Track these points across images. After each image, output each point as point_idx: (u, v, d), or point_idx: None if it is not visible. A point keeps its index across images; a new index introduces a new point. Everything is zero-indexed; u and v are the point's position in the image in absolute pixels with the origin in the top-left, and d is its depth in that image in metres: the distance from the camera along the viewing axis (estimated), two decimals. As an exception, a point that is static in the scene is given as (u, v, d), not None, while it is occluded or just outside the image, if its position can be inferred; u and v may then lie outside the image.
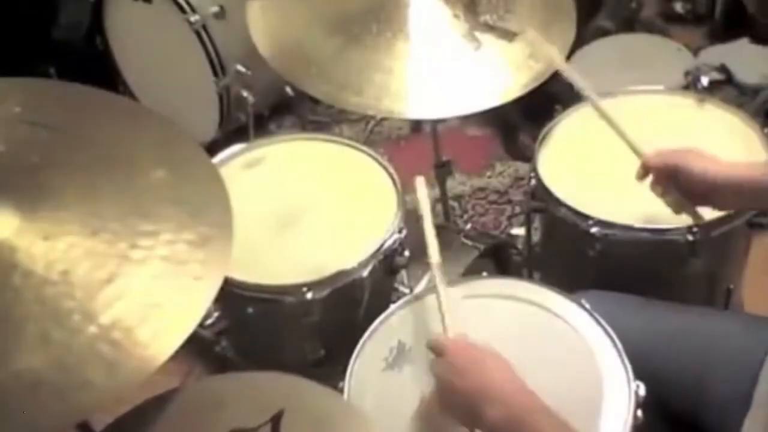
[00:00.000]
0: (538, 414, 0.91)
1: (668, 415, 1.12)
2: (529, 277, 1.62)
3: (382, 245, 1.32)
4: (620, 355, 1.09)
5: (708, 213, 1.29)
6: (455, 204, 2.31)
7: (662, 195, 1.21)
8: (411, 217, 1.35)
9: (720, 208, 1.23)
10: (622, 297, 1.27)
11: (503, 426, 0.91)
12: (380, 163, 1.48)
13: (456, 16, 1.42)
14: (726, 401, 1.08)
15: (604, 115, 1.27)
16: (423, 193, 1.20)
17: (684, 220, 1.30)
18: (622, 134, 1.25)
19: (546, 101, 1.58)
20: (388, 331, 1.18)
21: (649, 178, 1.22)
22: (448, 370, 0.98)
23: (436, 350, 1.01)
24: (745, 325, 1.20)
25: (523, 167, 2.38)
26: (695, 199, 1.20)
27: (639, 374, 1.06)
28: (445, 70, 1.38)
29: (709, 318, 1.26)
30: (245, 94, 2.18)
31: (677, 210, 1.22)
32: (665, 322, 1.23)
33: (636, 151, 1.23)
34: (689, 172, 1.15)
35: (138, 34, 2.40)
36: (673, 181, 1.18)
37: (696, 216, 1.23)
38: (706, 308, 1.37)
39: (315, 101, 2.54)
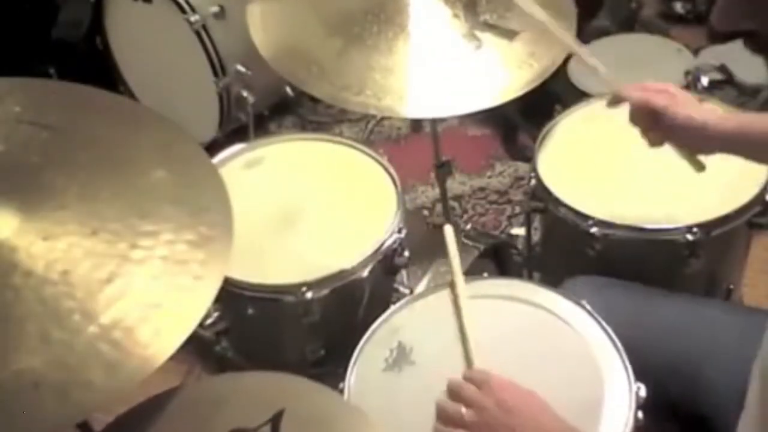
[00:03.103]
0: None
1: (666, 405, 1.12)
2: (529, 277, 1.63)
3: (382, 245, 1.32)
4: (621, 356, 1.09)
5: (708, 213, 1.30)
6: (455, 204, 2.32)
7: (644, 131, 1.20)
8: (411, 217, 1.36)
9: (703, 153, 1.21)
10: (618, 283, 1.27)
11: None
12: (380, 163, 1.48)
13: (456, 15, 1.42)
14: (723, 391, 1.08)
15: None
16: (452, 243, 1.20)
17: (684, 220, 1.30)
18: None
19: (546, 101, 1.59)
20: (389, 331, 1.18)
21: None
22: (494, 405, 0.96)
23: (478, 383, 0.99)
24: (743, 317, 1.20)
25: (523, 167, 2.38)
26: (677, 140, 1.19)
27: (636, 364, 1.06)
28: (445, 70, 1.38)
29: (706, 308, 1.26)
30: (245, 94, 2.19)
31: (656, 144, 1.20)
32: (661, 309, 1.24)
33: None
34: (674, 118, 1.15)
35: (138, 34, 2.40)
36: (655, 122, 1.17)
37: (696, 162, 1.21)
38: (703, 298, 1.37)
39: (315, 101, 2.55)
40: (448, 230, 1.23)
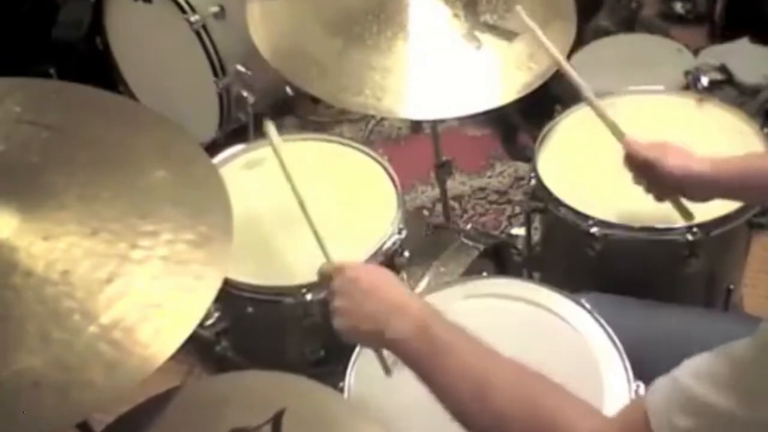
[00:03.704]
0: (435, 318, 0.92)
1: None
2: (529, 277, 1.62)
3: (382, 245, 1.32)
4: (620, 355, 1.09)
5: (708, 213, 1.30)
6: (455, 204, 2.31)
7: (645, 187, 1.23)
8: (411, 217, 1.35)
9: (692, 200, 1.24)
10: (622, 300, 1.27)
11: (410, 340, 0.91)
12: (380, 163, 1.48)
13: (456, 15, 1.42)
14: None
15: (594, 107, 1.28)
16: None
17: (683, 219, 1.30)
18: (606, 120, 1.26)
19: (546, 101, 1.58)
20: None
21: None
22: (346, 283, 0.99)
23: (331, 272, 1.02)
24: (745, 327, 1.20)
25: (523, 167, 2.38)
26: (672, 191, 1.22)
27: (639, 377, 1.06)
28: (445, 70, 1.38)
29: (708, 319, 1.26)
30: (245, 94, 2.19)
31: (659, 199, 1.24)
32: (665, 325, 1.24)
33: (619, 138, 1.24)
34: (662, 167, 1.18)
35: (138, 34, 2.40)
36: (649, 174, 1.20)
37: (684, 210, 1.24)
38: (705, 309, 1.37)
39: (315, 101, 2.55)
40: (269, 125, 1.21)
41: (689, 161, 1.18)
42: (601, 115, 1.27)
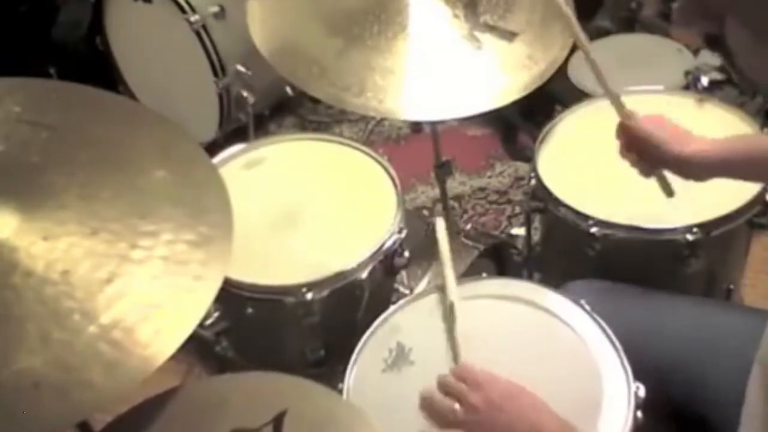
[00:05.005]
0: None
1: (666, 405, 1.12)
2: (529, 277, 1.62)
3: (382, 245, 1.32)
4: (620, 356, 1.09)
5: (708, 213, 1.30)
6: (455, 204, 2.31)
7: (633, 160, 1.21)
8: (411, 217, 1.35)
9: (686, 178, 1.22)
10: (619, 286, 1.27)
11: None
12: (380, 163, 1.48)
13: (456, 16, 1.42)
14: (723, 391, 1.08)
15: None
16: (443, 233, 1.20)
17: (684, 220, 1.30)
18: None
19: (546, 101, 1.59)
20: (388, 331, 1.18)
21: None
22: (484, 402, 0.96)
23: (466, 380, 0.99)
24: (743, 317, 1.21)
25: (523, 167, 2.38)
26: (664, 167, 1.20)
27: (638, 366, 1.06)
28: (445, 71, 1.38)
29: (707, 309, 1.26)
30: (245, 94, 2.18)
31: (646, 175, 1.22)
32: (661, 311, 1.24)
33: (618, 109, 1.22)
34: (667, 152, 1.16)
35: (138, 34, 2.40)
36: (642, 147, 1.18)
37: (667, 188, 1.22)
38: (704, 299, 1.37)
39: (315, 101, 2.55)
40: (440, 224, 1.22)
41: (691, 143, 1.17)
42: (604, 85, 1.25)
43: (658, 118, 1.20)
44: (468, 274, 1.48)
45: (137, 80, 2.51)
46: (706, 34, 0.80)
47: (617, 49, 2.28)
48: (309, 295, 1.26)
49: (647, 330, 1.19)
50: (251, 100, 2.18)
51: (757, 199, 1.34)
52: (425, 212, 2.33)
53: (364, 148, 1.52)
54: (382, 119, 2.64)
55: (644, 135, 1.17)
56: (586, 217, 1.34)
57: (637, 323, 1.19)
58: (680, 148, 1.16)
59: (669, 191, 1.22)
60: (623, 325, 1.12)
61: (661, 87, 1.63)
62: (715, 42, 0.82)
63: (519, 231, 1.83)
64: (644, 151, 1.19)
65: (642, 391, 1.04)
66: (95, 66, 2.46)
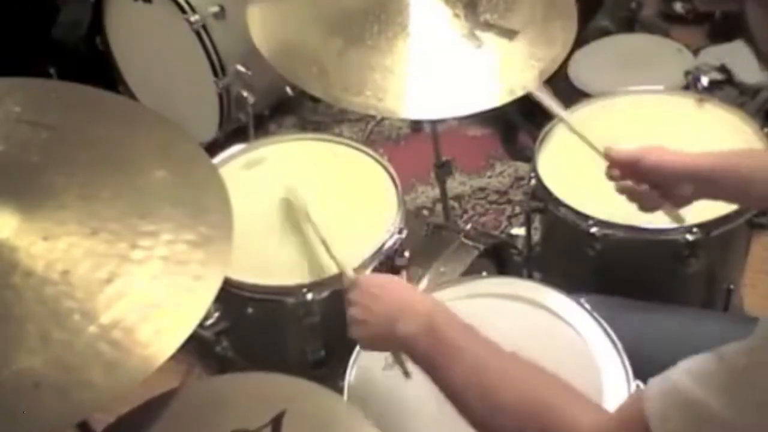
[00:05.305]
0: (443, 315, 0.93)
1: None
2: (529, 277, 1.62)
3: (382, 246, 1.32)
4: (620, 355, 1.09)
5: (708, 213, 1.30)
6: (455, 204, 2.31)
7: (630, 194, 1.20)
8: (411, 217, 1.35)
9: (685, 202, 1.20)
10: (621, 301, 1.27)
11: (418, 337, 0.92)
12: (380, 163, 1.48)
13: (457, 15, 1.42)
14: None
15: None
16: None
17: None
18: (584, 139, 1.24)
19: (546, 101, 1.58)
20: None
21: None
22: (356, 294, 1.00)
23: (348, 287, 1.04)
24: (743, 327, 1.20)
25: (523, 167, 2.38)
26: (663, 194, 1.18)
27: (639, 377, 1.06)
28: (445, 70, 1.38)
29: (707, 320, 1.26)
30: (245, 94, 2.18)
31: (650, 209, 1.20)
32: (664, 326, 1.23)
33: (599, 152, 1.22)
34: (646, 162, 1.15)
35: (138, 34, 2.40)
36: (636, 174, 1.17)
37: (676, 216, 1.22)
38: (704, 310, 1.37)
39: (315, 101, 2.55)
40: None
41: (671, 155, 1.15)
42: (578, 134, 1.24)
43: (642, 147, 1.19)
44: (468, 274, 1.48)
45: (137, 80, 2.51)
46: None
47: (617, 49, 2.28)
48: (309, 296, 1.26)
49: (647, 342, 1.18)
50: (251, 100, 2.18)
51: (757, 199, 1.34)
52: (425, 212, 2.33)
53: (364, 148, 1.52)
54: (382, 119, 2.64)
55: (625, 157, 1.17)
56: (586, 217, 1.34)
57: (637, 336, 1.18)
58: (659, 154, 1.15)
59: (678, 218, 1.23)
60: (624, 337, 1.12)
61: (661, 87, 1.63)
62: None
63: (519, 231, 1.83)
64: (634, 176, 1.17)
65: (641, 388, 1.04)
66: (95, 66, 2.46)
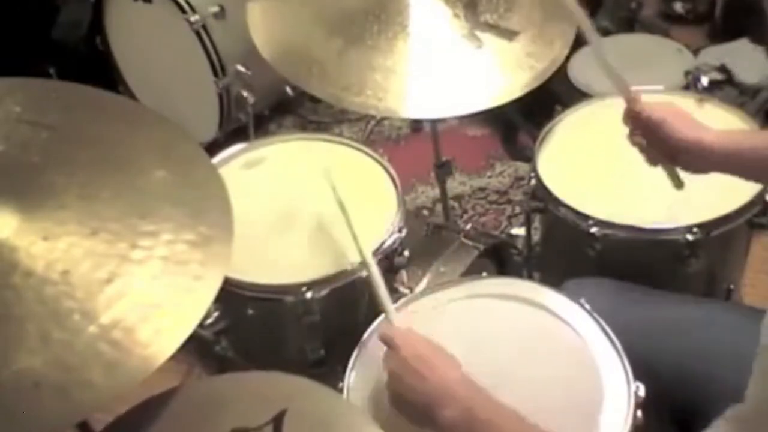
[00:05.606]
0: (492, 412, 0.92)
1: (666, 404, 1.12)
2: (529, 277, 1.62)
3: (382, 245, 1.32)
4: (620, 356, 1.09)
5: (708, 213, 1.30)
6: (455, 204, 2.31)
7: (641, 147, 1.20)
8: (411, 217, 1.35)
9: (687, 170, 1.21)
10: (617, 284, 1.27)
11: (457, 427, 0.91)
12: (380, 163, 1.48)
13: (456, 15, 1.42)
14: (722, 390, 1.08)
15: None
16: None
17: (684, 220, 1.30)
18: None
19: (546, 101, 1.58)
20: (388, 331, 1.18)
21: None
22: (398, 366, 0.98)
23: (385, 342, 1.01)
24: (742, 315, 1.21)
25: (523, 167, 2.38)
26: (674, 158, 1.19)
27: (637, 365, 1.06)
28: (445, 70, 1.38)
29: (705, 306, 1.26)
30: (245, 94, 2.18)
31: (653, 163, 1.21)
32: (661, 309, 1.24)
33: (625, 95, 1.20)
34: (671, 132, 1.15)
35: (138, 34, 2.40)
36: (650, 134, 1.17)
37: (676, 178, 1.22)
38: (704, 298, 1.36)
39: (315, 101, 2.55)
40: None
41: (700, 131, 1.15)
42: (607, 68, 1.23)
43: (667, 104, 1.19)
44: (468, 274, 1.48)
45: (137, 80, 2.51)
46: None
47: (617, 49, 2.28)
48: (309, 295, 1.26)
49: (645, 327, 1.19)
50: (251, 100, 2.18)
51: (757, 199, 1.34)
52: (425, 212, 2.33)
53: (364, 148, 1.52)
54: (382, 119, 2.64)
55: (648, 118, 1.17)
56: (586, 217, 1.34)
57: (635, 321, 1.19)
58: (686, 132, 1.14)
59: (678, 183, 1.22)
60: (621, 323, 1.12)
61: (661, 87, 1.62)
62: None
63: (519, 231, 1.83)
64: (650, 136, 1.18)
65: (642, 391, 1.04)
66: (95, 66, 2.46)
